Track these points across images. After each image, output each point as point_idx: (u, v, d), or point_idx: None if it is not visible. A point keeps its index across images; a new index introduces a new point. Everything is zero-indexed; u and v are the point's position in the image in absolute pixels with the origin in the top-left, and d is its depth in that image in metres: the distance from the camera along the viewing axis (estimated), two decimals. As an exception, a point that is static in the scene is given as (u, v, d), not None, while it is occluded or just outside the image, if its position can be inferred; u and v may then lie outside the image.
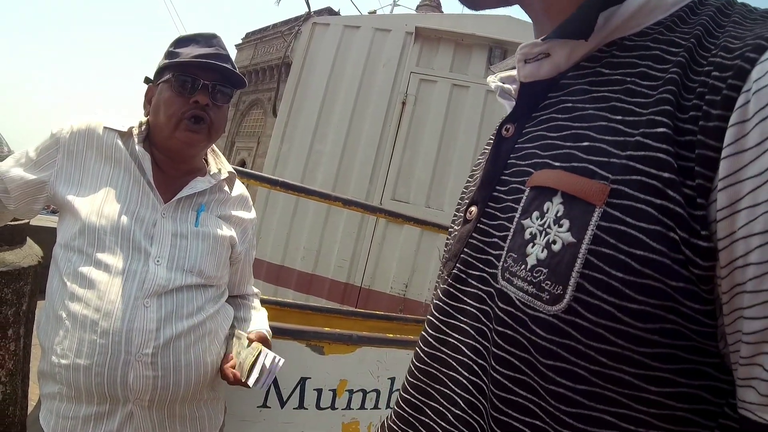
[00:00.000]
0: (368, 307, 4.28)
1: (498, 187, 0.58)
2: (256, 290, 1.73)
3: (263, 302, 1.74)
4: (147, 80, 1.44)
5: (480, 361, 0.53)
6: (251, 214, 1.59)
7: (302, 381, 1.90)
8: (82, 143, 1.32)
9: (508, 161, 0.58)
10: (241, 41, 31.88)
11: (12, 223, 1.54)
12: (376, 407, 2.06)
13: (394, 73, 4.95)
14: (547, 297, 0.44)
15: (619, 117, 0.46)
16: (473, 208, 0.61)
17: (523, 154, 0.56)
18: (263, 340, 1.42)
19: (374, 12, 12.70)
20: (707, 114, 0.40)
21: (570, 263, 0.43)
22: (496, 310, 0.50)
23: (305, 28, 5.37)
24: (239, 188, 1.57)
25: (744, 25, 0.45)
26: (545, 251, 0.46)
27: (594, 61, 0.54)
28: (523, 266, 0.48)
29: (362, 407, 2.04)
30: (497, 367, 0.49)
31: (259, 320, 1.58)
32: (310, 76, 5.11)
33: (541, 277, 0.45)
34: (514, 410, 0.47)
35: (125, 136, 1.35)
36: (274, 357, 1.29)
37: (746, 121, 0.37)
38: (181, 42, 1.39)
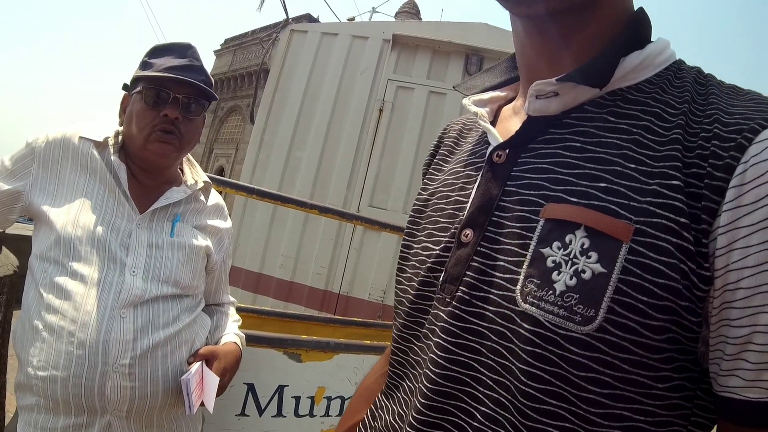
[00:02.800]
0: (347, 313, 4.28)
1: (498, 213, 0.63)
2: (232, 299, 1.73)
3: (242, 310, 1.75)
4: (125, 87, 1.44)
5: (495, 376, 0.58)
6: (227, 224, 1.59)
7: (280, 389, 1.91)
8: (58, 153, 1.31)
9: (506, 187, 0.64)
10: (219, 47, 31.73)
11: (-15, 231, 1.52)
12: (354, 414, 2.06)
13: (371, 80, 4.96)
14: (580, 319, 0.52)
15: (633, 165, 0.55)
16: (468, 231, 0.66)
17: (525, 183, 0.62)
18: (209, 355, 1.40)
19: (353, 19, 12.70)
20: (711, 174, 0.50)
21: (602, 290, 0.51)
22: (521, 331, 0.56)
23: (283, 34, 5.36)
24: (215, 197, 1.58)
25: (722, 98, 0.56)
26: (574, 279, 0.53)
27: (598, 107, 0.61)
28: (551, 292, 0.54)
29: (341, 414, 2.04)
30: (528, 381, 0.55)
31: (230, 328, 1.59)
32: (287, 83, 5.10)
33: (572, 302, 0.53)
34: (545, 417, 0.54)
35: (101, 146, 1.35)
36: (187, 374, 1.28)
37: (744, 185, 0.48)
38: (156, 52, 1.40)
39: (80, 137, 1.34)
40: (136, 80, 1.37)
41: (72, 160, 1.32)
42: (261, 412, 1.89)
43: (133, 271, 1.27)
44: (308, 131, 4.96)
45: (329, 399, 2.02)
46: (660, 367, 0.51)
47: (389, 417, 0.74)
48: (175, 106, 1.33)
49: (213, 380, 1.33)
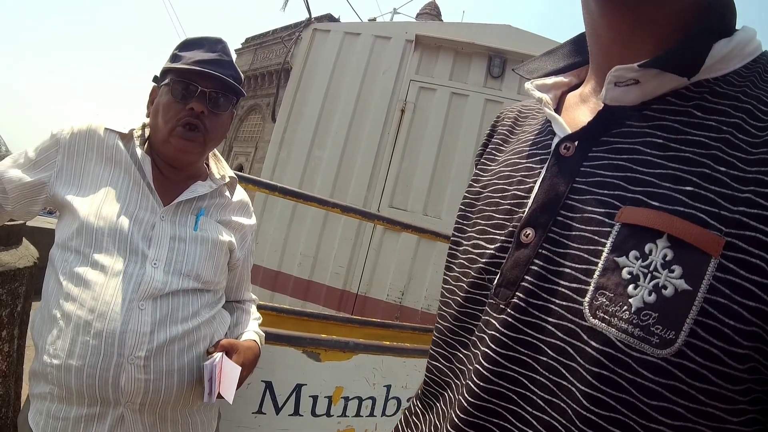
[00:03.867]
0: (364, 314, 4.27)
1: (564, 212, 0.57)
2: (253, 296, 1.73)
3: (260, 308, 1.74)
4: (155, 79, 1.44)
5: (548, 397, 0.53)
6: (251, 220, 1.59)
7: (298, 387, 1.90)
8: (83, 144, 1.31)
9: (574, 184, 0.58)
10: (241, 46, 31.97)
11: (8, 223, 1.54)
12: (371, 415, 2.05)
13: (393, 80, 4.95)
14: (657, 341, 0.46)
15: (723, 169, 0.48)
16: (529, 231, 0.59)
17: (598, 180, 0.56)
18: (230, 347, 1.38)
19: (374, 19, 12.73)
20: None
21: (685, 310, 0.45)
22: (588, 349, 0.50)
23: (306, 34, 5.37)
24: (240, 194, 1.57)
25: None
26: (653, 295, 0.47)
27: (683, 99, 0.55)
28: (626, 308, 0.48)
29: (358, 415, 2.03)
30: (590, 406, 0.49)
31: (251, 325, 1.58)
32: (309, 82, 5.11)
33: (650, 321, 0.47)
34: None
35: (126, 138, 1.35)
36: (211, 360, 1.27)
37: None
38: (186, 45, 1.39)
39: (106, 129, 1.34)
40: (165, 72, 1.37)
41: (97, 152, 1.32)
42: (278, 410, 1.88)
43: (155, 264, 1.26)
44: (329, 131, 4.96)
45: (347, 399, 2.00)
46: (737, 399, 0.45)
47: (425, 427, 0.70)
48: (202, 100, 1.32)
49: (234, 371, 1.31)
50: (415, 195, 4.71)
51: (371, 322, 2.82)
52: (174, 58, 1.37)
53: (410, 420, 0.76)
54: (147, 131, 1.39)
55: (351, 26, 5.48)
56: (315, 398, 1.93)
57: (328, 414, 1.97)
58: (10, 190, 1.27)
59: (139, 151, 1.32)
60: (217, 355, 1.29)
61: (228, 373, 1.30)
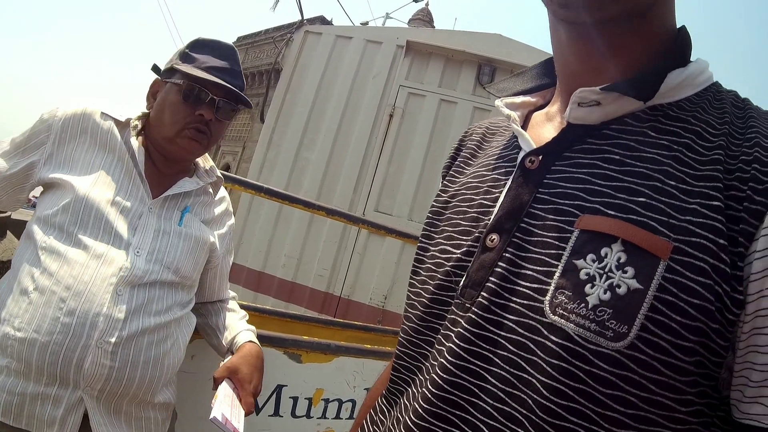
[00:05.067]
0: (347, 317, 4.27)
1: (527, 219, 0.62)
2: (232, 294, 1.74)
3: (242, 308, 1.74)
4: (156, 69, 1.44)
5: (508, 388, 0.57)
6: (231, 220, 1.62)
7: (278, 388, 1.89)
8: (76, 127, 1.31)
9: (537, 194, 0.62)
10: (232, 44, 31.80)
11: (-8, 215, 1.52)
12: (351, 417, 2.05)
13: (383, 85, 4.98)
14: (611, 334, 0.50)
15: (673, 183, 0.54)
16: (494, 236, 0.64)
17: (559, 191, 0.61)
18: (226, 374, 1.40)
19: (366, 23, 12.73)
20: (750, 197, 0.50)
21: (637, 306, 0.50)
22: (548, 343, 0.54)
23: (297, 35, 5.38)
24: (222, 193, 1.59)
25: (762, 123, 0.56)
26: (608, 293, 0.52)
27: (639, 120, 0.60)
28: (583, 305, 0.53)
29: (337, 417, 2.03)
30: (550, 396, 0.53)
31: (240, 325, 1.59)
32: (299, 83, 5.12)
33: (605, 317, 0.51)
34: None
35: (122, 125, 1.35)
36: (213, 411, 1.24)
37: None
38: (199, 47, 1.41)
39: (102, 113, 1.34)
40: (173, 70, 1.37)
41: (91, 136, 1.31)
42: (258, 410, 1.87)
43: (137, 252, 1.26)
44: (317, 133, 4.98)
45: (327, 401, 2.01)
46: (685, 390, 0.50)
47: (389, 422, 0.73)
48: (211, 108, 1.35)
49: (236, 401, 1.33)
50: (401, 200, 4.73)
51: (354, 325, 2.83)
52: (185, 57, 1.38)
53: (376, 418, 0.79)
54: (143, 122, 1.39)
55: (343, 29, 5.50)
56: (295, 399, 1.93)
57: (308, 415, 1.97)
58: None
59: (134, 141, 1.33)
60: (218, 397, 1.28)
61: (236, 403, 1.32)
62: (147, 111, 1.42)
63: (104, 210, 1.24)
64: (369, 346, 2.14)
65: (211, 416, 1.20)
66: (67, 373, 1.14)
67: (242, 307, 1.77)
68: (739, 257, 0.50)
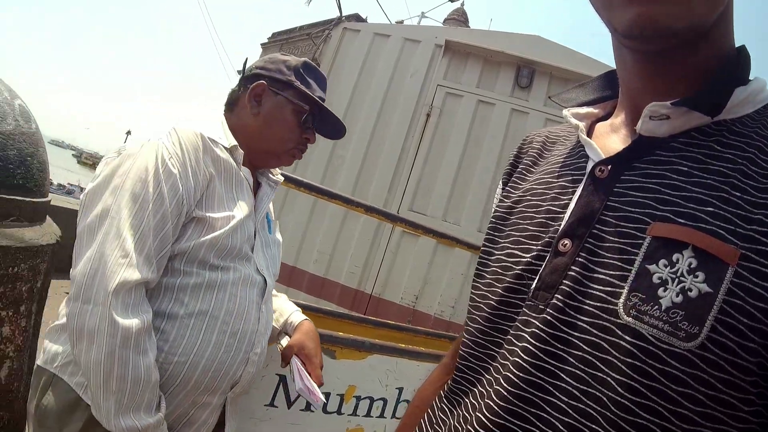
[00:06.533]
0: (377, 315, 4.27)
1: (598, 226, 0.66)
2: None
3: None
4: (257, 75, 1.44)
5: (582, 386, 0.60)
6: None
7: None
8: (197, 159, 1.25)
9: (608, 202, 0.66)
10: (267, 40, 32.06)
11: (34, 200, 1.55)
12: (381, 416, 2.05)
13: (420, 84, 4.97)
14: (683, 335, 0.54)
15: (739, 194, 0.57)
16: (567, 241, 0.68)
17: (630, 200, 0.64)
18: (291, 353, 1.52)
19: (402, 22, 12.71)
20: None
21: (707, 309, 0.53)
22: (622, 343, 0.57)
23: (335, 32, 5.40)
24: None
25: None
26: (680, 296, 0.55)
27: (705, 135, 0.64)
28: (656, 307, 0.56)
29: (368, 415, 2.03)
30: (625, 393, 0.56)
31: (289, 307, 1.71)
32: (336, 80, 5.12)
33: (677, 318, 0.55)
34: (636, 430, 0.56)
35: (229, 150, 1.35)
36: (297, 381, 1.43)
37: None
38: (309, 69, 1.49)
39: (210, 139, 1.30)
40: (287, 84, 1.42)
41: (215, 168, 1.29)
42: (290, 404, 1.88)
43: (262, 270, 1.37)
44: (353, 130, 4.97)
45: (358, 398, 2.00)
46: (748, 389, 0.52)
47: (453, 421, 0.75)
48: (313, 134, 1.49)
49: (306, 374, 1.47)
50: (435, 200, 4.72)
51: (386, 323, 2.82)
52: (301, 77, 1.44)
53: (436, 418, 0.82)
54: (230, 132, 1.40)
55: (381, 27, 5.50)
56: (327, 396, 1.93)
57: (338, 412, 1.97)
58: (164, 255, 1.19)
59: (243, 169, 1.38)
60: (294, 369, 1.46)
61: (308, 378, 1.46)
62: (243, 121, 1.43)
63: (240, 237, 1.30)
64: (403, 345, 2.13)
65: (297, 387, 1.41)
66: (226, 385, 1.29)
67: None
68: None
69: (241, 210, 1.31)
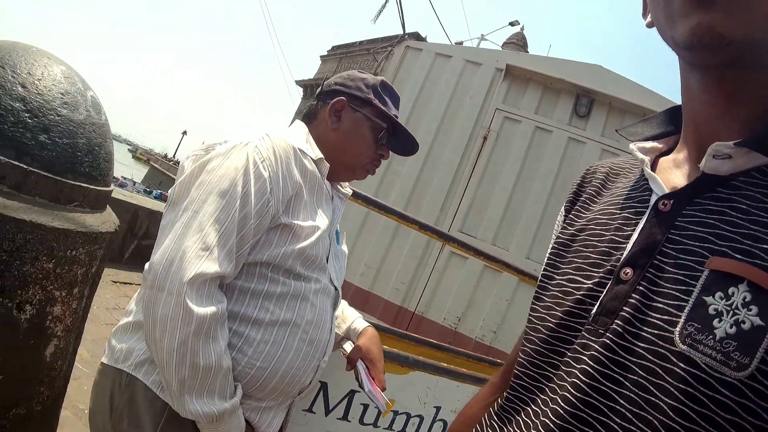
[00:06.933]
0: (419, 334, 4.26)
1: (659, 257, 0.68)
2: None
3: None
4: (337, 91, 1.48)
5: (635, 410, 0.62)
6: None
7: (351, 393, 1.91)
8: (286, 170, 1.27)
9: (669, 235, 0.69)
10: (326, 53, 32.49)
11: (98, 188, 1.59)
12: (417, 433, 2.04)
13: (479, 106, 4.98)
14: (735, 365, 0.56)
15: None
16: (628, 270, 0.70)
17: (690, 234, 0.67)
18: (357, 358, 1.56)
19: (461, 43, 12.76)
20: None
21: (759, 341, 0.55)
22: (677, 369, 0.60)
23: (398, 49, 5.47)
24: None
25: None
26: (734, 328, 0.57)
27: (764, 174, 0.66)
28: (711, 337, 0.58)
29: (403, 430, 2.03)
30: (676, 418, 0.58)
31: (352, 314, 1.74)
32: (396, 97, 5.16)
33: (730, 348, 0.57)
34: None
35: (315, 162, 1.38)
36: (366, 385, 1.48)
37: None
38: (386, 88, 1.53)
39: (298, 149, 1.33)
40: (366, 102, 1.47)
41: (301, 175, 1.32)
42: (328, 411, 1.90)
43: (334, 280, 1.42)
44: (410, 148, 4.97)
45: (396, 413, 2.01)
46: None
47: None
48: (387, 151, 1.54)
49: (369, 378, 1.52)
50: (486, 223, 4.70)
51: (427, 341, 2.81)
52: (379, 96, 1.49)
53: None
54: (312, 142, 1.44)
55: (443, 48, 5.54)
56: (365, 407, 1.94)
57: (374, 424, 1.98)
58: (242, 253, 1.22)
59: (326, 183, 1.43)
60: (361, 373, 1.50)
61: (372, 382, 1.51)
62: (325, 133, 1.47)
63: (322, 247, 1.34)
64: (445, 364, 2.12)
65: (367, 389, 1.46)
66: (295, 390, 1.34)
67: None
68: None
69: (323, 221, 1.35)
